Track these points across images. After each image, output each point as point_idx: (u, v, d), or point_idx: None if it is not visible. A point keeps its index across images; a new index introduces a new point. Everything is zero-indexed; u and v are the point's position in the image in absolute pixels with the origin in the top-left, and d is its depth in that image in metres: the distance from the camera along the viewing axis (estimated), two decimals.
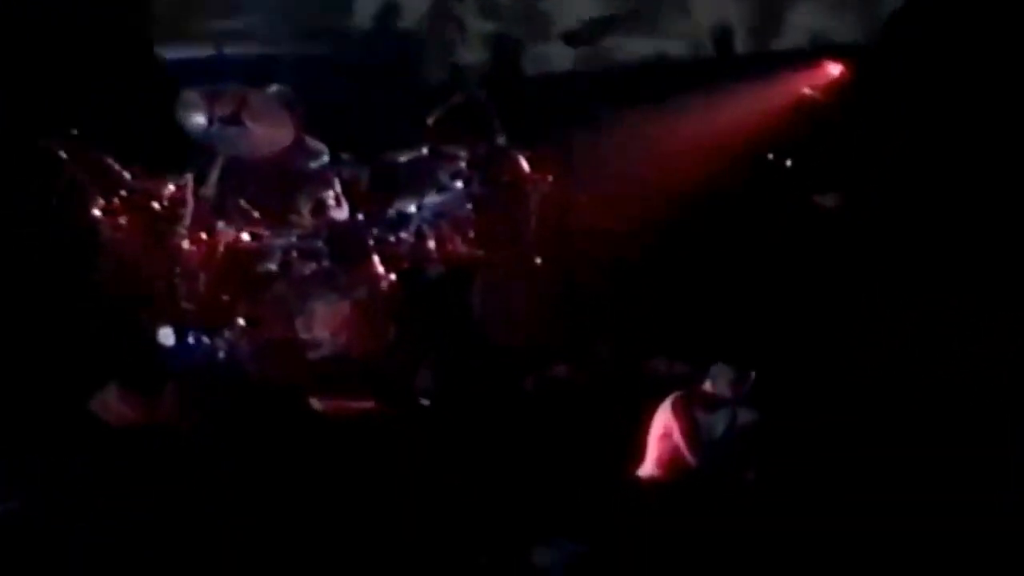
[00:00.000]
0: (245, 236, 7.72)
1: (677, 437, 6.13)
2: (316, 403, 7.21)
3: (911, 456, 5.98)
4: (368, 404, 7.28)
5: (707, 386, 6.36)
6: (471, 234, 7.94)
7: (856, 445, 6.20)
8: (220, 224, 7.75)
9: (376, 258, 7.89)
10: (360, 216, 7.98)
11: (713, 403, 6.21)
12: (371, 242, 7.90)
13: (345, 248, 7.84)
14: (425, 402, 7.42)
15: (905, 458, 5.99)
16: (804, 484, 6.04)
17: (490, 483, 6.51)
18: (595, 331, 7.88)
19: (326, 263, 7.84)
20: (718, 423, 6.13)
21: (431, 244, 7.95)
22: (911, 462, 5.95)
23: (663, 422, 6.26)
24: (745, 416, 6.09)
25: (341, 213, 7.94)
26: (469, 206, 7.97)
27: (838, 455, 6.16)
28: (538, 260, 7.96)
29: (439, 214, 7.97)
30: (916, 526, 5.60)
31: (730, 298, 7.83)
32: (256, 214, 7.80)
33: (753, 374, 6.20)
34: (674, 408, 6.27)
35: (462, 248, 7.92)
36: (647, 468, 6.19)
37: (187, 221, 7.61)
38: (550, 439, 6.99)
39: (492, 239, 7.98)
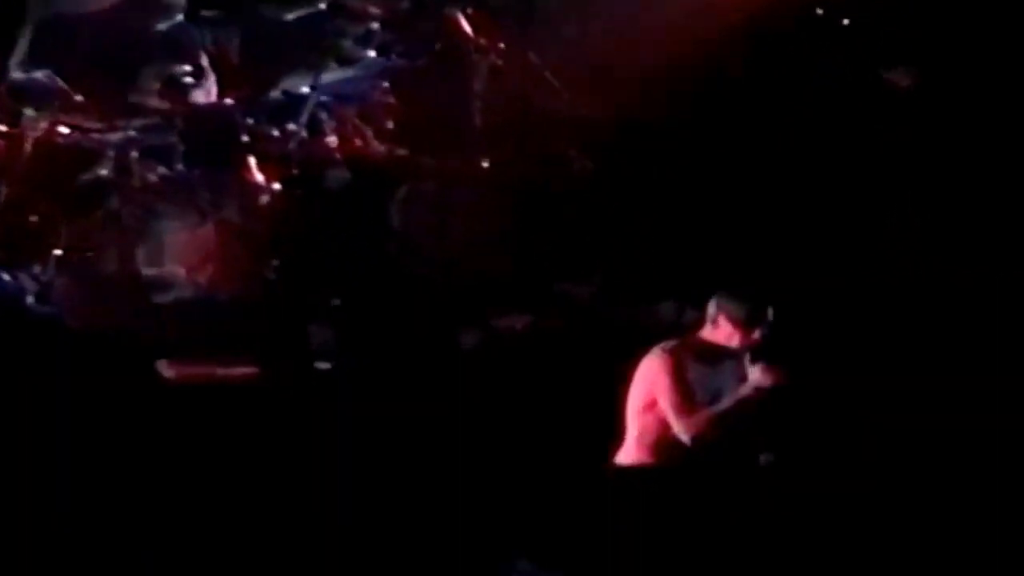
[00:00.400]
0: (64, 129, 7.11)
1: (665, 406, 5.23)
2: (166, 368, 6.71)
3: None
4: (242, 370, 6.76)
5: (706, 331, 5.34)
6: (389, 125, 7.20)
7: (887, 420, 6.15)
8: (28, 112, 7.02)
9: (252, 161, 7.17)
10: (229, 100, 7.29)
11: (714, 356, 5.27)
12: (244, 137, 7.20)
13: (208, 146, 7.19)
14: (323, 366, 6.85)
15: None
16: (834, 472, 5.95)
17: (415, 485, 6.35)
18: (567, 266, 7.03)
19: (180, 168, 7.27)
20: (722, 384, 5.26)
21: (331, 140, 7.22)
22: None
23: (645, 386, 5.37)
24: (759, 375, 5.17)
25: (202, 95, 7.26)
26: (385, 85, 7.26)
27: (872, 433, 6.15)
28: (485, 164, 7.20)
29: (343, 97, 7.31)
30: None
31: (748, 220, 7.02)
32: (80, 97, 7.15)
33: (771, 311, 5.25)
34: (660, 365, 5.30)
35: (376, 145, 7.19)
36: (628, 451, 5.40)
37: None
38: (499, 418, 6.56)
39: (420, 133, 7.22)
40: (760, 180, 7.08)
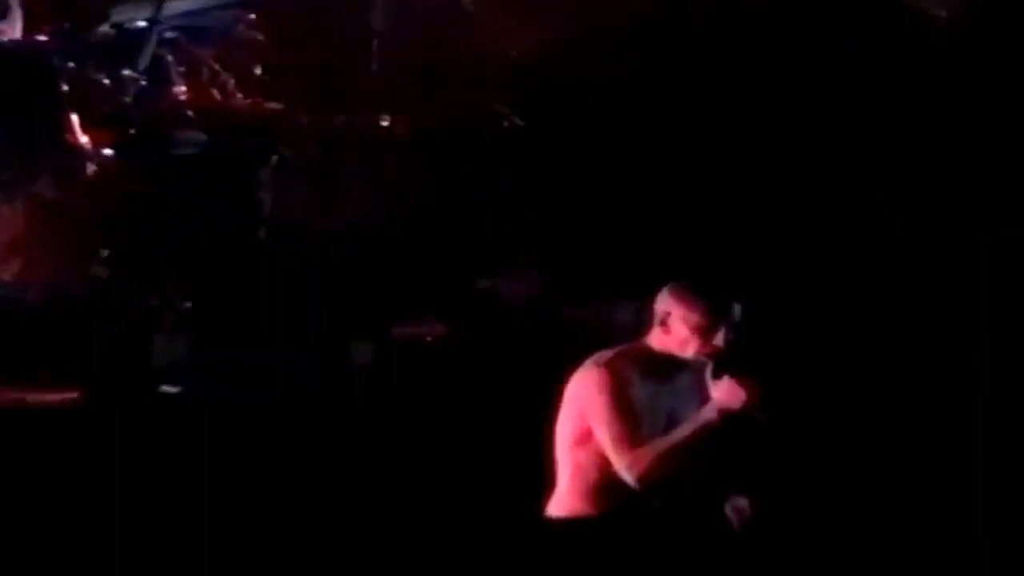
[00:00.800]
0: None
1: (603, 437, 4.62)
2: None
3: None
4: (61, 395, 6.39)
5: (654, 336, 4.67)
6: (256, 71, 6.74)
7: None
8: None
9: (74, 118, 6.76)
10: (41, 36, 6.91)
11: (665, 369, 4.72)
12: (64, 87, 6.77)
13: (14, 99, 6.80)
14: (170, 390, 6.43)
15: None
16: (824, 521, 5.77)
17: (281, 550, 5.89)
18: (493, 256, 6.49)
19: None
20: (676, 406, 4.62)
21: (180, 90, 6.72)
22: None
23: (576, 411, 4.73)
24: (725, 393, 4.60)
25: (5, 30, 6.96)
26: (251, 17, 6.79)
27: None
28: (384, 122, 6.78)
29: (194, 32, 6.90)
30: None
31: (720, 194, 6.45)
32: None
33: (737, 308, 4.66)
34: (594, 384, 4.68)
35: (239, 99, 6.80)
36: (560, 499, 4.73)
37: None
38: (398, 458, 6.01)
39: (297, 82, 6.74)
40: (734, 142, 6.38)
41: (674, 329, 4.77)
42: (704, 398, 4.78)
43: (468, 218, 6.56)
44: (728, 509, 4.94)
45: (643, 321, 5.78)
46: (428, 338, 6.42)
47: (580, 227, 6.61)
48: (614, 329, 6.32)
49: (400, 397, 6.45)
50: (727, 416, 4.77)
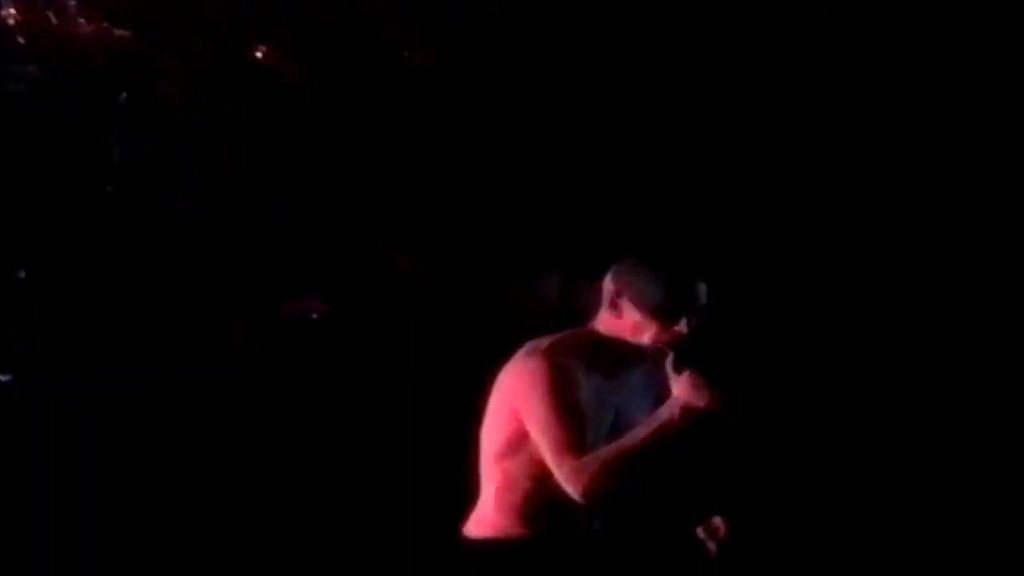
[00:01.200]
0: None
1: (541, 441, 4.26)
2: None
3: None
4: None
5: (602, 320, 4.32)
6: None
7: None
8: None
9: None
10: None
11: (617, 360, 4.33)
12: None
13: None
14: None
15: None
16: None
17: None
18: (391, 219, 5.81)
19: None
20: (629, 404, 4.33)
21: (8, 12, 5.84)
22: None
23: (508, 411, 4.35)
24: (688, 388, 4.25)
25: None
26: None
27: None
28: (259, 53, 5.75)
29: None
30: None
31: (670, 145, 5.78)
32: None
33: (703, 289, 4.34)
34: (531, 378, 4.33)
35: (83, 24, 5.82)
36: (482, 516, 4.38)
37: None
38: (279, 458, 5.64)
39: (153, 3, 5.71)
40: (689, 82, 5.69)
41: (627, 312, 4.37)
42: (659, 395, 4.36)
43: (361, 171, 5.80)
44: (701, 531, 4.47)
45: (571, 301, 5.33)
46: (313, 315, 5.87)
47: (494, 186, 5.90)
48: (534, 311, 5.72)
49: (280, 385, 5.73)
50: (691, 416, 4.28)
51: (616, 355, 4.28)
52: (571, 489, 4.11)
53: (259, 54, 5.65)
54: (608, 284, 4.29)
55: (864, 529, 5.72)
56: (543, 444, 4.17)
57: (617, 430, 4.18)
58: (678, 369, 4.16)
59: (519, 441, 4.26)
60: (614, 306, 4.28)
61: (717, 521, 4.30)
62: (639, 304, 4.26)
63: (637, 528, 4.37)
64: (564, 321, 4.46)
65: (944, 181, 6.03)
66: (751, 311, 5.08)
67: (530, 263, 5.75)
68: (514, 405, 4.24)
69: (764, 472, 5.03)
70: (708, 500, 4.44)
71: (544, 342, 4.25)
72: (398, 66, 5.82)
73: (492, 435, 4.31)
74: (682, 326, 4.23)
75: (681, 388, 4.16)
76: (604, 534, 4.27)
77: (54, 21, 5.66)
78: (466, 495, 4.41)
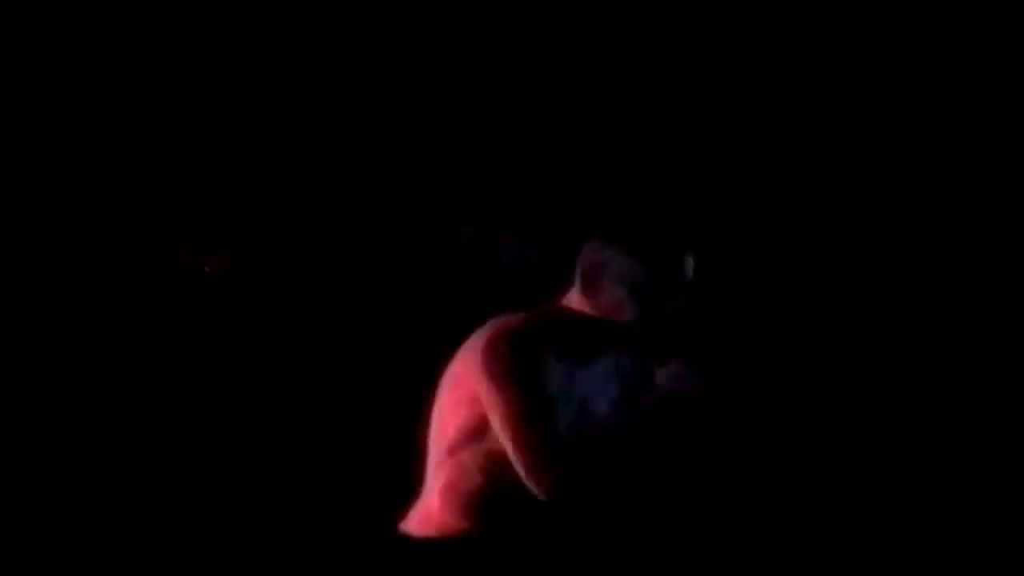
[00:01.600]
0: None
1: (502, 431, 4.01)
2: None
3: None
4: None
5: (574, 297, 4.09)
6: None
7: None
8: None
9: None
10: None
11: (591, 343, 4.07)
12: None
13: None
14: None
15: None
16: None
17: None
18: (299, 154, 5.42)
19: None
20: (604, 392, 4.04)
21: None
22: None
23: (463, 396, 4.11)
24: (673, 376, 4.07)
25: None
26: None
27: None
28: None
29: None
30: None
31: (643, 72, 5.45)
32: None
33: (690, 263, 4.14)
34: (491, 360, 4.04)
35: None
36: (427, 512, 4.10)
37: None
38: (182, 443, 5.26)
39: None
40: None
41: (605, 291, 4.04)
42: (626, 381, 4.09)
43: (261, 92, 5.22)
44: (682, 536, 4.22)
45: (534, 264, 5.08)
46: (208, 269, 5.45)
47: (421, 111, 5.32)
48: (463, 261, 5.32)
49: (172, 350, 5.21)
50: (675, 407, 4.03)
51: (586, 337, 3.96)
52: (533, 484, 3.83)
53: None
54: (587, 257, 3.97)
55: (864, 528, 5.47)
56: (503, 434, 3.87)
57: (582, 418, 3.92)
58: (661, 359, 3.91)
59: (476, 429, 3.96)
60: (590, 283, 3.93)
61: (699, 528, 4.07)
62: (620, 280, 3.91)
63: (603, 526, 4.05)
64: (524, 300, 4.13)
65: (944, 181, 5.92)
66: (741, 292, 4.85)
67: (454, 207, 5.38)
68: (473, 389, 3.93)
69: (750, 473, 4.81)
70: (682, 498, 4.09)
71: (509, 320, 3.91)
72: None
73: (446, 423, 3.94)
74: (668, 305, 3.95)
75: (665, 376, 3.93)
76: (566, 533, 3.94)
77: None
78: (407, 490, 4.11)
